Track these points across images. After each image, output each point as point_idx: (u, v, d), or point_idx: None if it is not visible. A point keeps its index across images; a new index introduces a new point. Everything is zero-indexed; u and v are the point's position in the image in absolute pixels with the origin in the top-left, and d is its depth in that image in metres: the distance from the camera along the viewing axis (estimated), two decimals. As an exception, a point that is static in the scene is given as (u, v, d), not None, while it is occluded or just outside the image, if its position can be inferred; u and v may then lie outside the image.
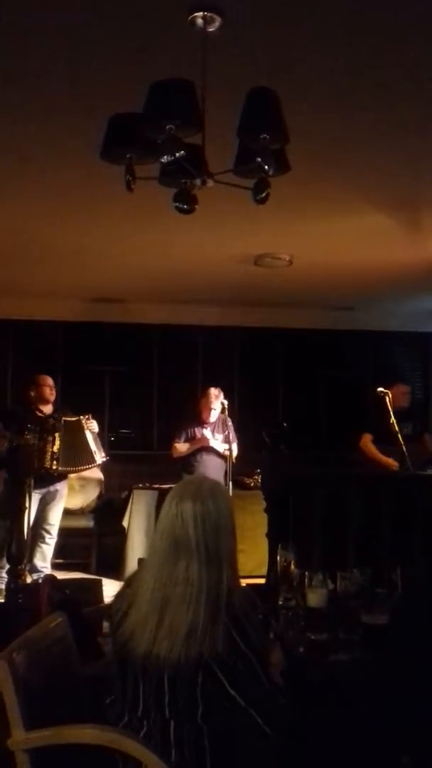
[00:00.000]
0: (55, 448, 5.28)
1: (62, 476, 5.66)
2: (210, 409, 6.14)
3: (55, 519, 5.70)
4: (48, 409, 5.67)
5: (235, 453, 6.01)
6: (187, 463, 6.16)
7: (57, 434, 5.33)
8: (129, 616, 1.90)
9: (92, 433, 5.60)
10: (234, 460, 5.95)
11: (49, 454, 5.33)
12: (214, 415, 6.16)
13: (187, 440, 6.21)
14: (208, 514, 1.88)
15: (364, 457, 5.83)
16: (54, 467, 5.31)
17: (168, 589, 1.85)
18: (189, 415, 6.36)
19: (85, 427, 5.53)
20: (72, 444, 5.45)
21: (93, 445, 5.55)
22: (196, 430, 6.20)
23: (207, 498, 1.91)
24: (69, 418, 5.54)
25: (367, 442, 5.83)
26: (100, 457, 5.61)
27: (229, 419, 6.17)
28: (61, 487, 5.72)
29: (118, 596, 2.03)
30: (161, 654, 1.79)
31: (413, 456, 5.45)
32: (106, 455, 5.81)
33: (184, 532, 1.87)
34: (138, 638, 1.85)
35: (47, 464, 5.34)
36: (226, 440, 6.07)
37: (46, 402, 5.67)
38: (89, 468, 5.74)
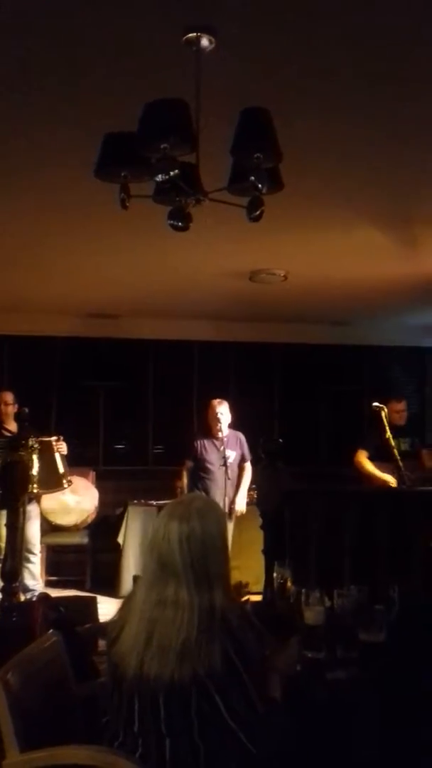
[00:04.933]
0: (34, 471, 5.17)
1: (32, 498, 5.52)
2: (217, 420, 5.84)
3: (34, 537, 5.65)
4: (13, 426, 5.57)
5: (249, 474, 5.89)
6: (197, 478, 5.95)
7: (34, 456, 5.19)
8: (121, 636, 1.89)
9: (61, 455, 5.50)
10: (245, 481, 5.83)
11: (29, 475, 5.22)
12: (225, 427, 5.86)
13: (196, 459, 5.97)
14: (193, 536, 1.85)
15: (360, 473, 5.81)
16: (35, 489, 5.19)
17: (156, 611, 1.83)
18: (201, 429, 6.16)
19: (55, 448, 5.43)
20: (44, 465, 5.35)
21: (61, 467, 5.43)
22: (206, 443, 5.97)
23: (194, 518, 1.88)
24: (44, 438, 5.42)
25: (362, 458, 5.77)
26: (66, 481, 5.37)
27: (242, 435, 6.00)
28: (32, 507, 5.59)
29: (115, 614, 2.01)
30: (152, 675, 1.77)
31: (411, 472, 5.42)
32: (69, 481, 5.64)
33: (170, 555, 1.85)
34: (127, 660, 1.83)
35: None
36: (241, 458, 5.94)
37: (8, 418, 5.62)
38: (56, 491, 5.58)
